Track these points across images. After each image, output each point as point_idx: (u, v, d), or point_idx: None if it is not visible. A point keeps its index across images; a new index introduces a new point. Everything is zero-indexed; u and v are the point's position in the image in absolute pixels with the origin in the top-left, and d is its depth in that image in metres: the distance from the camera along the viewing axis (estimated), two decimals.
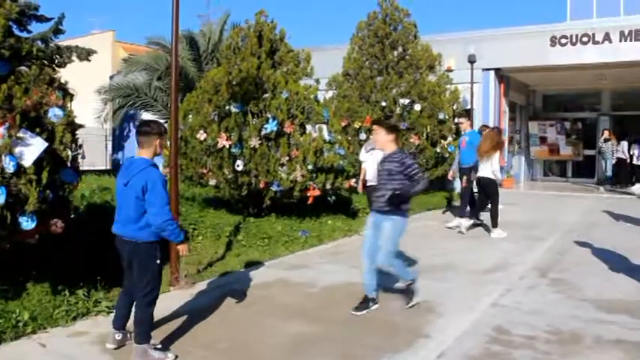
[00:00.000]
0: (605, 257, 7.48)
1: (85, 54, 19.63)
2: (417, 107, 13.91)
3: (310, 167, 9.29)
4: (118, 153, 25.16)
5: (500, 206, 12.15)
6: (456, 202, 13.26)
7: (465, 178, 10.22)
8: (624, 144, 17.44)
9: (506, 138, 18.14)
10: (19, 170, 4.58)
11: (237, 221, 9.31)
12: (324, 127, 9.83)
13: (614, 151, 15.88)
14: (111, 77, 24.34)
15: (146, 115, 20.64)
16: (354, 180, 10.19)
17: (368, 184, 8.89)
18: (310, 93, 9.92)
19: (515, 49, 16.16)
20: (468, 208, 10.37)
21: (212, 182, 9.69)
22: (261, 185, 9.28)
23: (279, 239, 8.50)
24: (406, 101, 14.02)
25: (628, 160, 17.25)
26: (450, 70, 15.44)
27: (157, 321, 4.97)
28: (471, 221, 10.20)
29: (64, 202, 5.20)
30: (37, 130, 4.76)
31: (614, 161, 15.61)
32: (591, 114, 20.26)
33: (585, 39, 15.65)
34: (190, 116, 9.97)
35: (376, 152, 8.60)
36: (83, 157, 5.47)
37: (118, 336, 4.43)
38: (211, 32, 20.35)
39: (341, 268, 7.18)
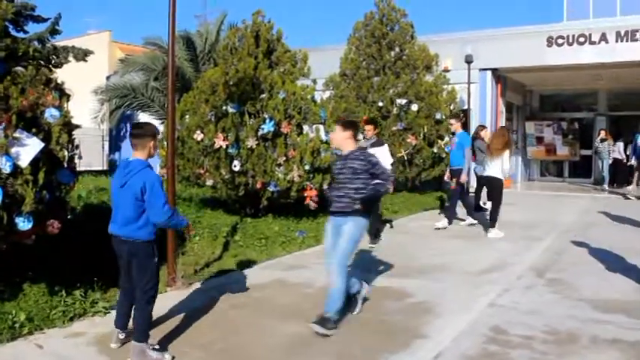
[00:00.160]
0: (601, 257, 7.50)
1: (82, 54, 19.62)
2: (414, 107, 13.93)
3: (307, 167, 9.29)
4: (115, 153, 25.13)
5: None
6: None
7: (454, 179, 10.14)
8: (620, 144, 17.48)
9: None
10: (16, 171, 4.57)
11: (234, 221, 9.31)
12: (321, 127, 9.83)
13: (610, 151, 15.91)
14: (107, 78, 24.31)
15: (143, 116, 20.62)
16: None
17: None
18: (307, 93, 9.92)
19: (512, 49, 16.18)
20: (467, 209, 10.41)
21: (209, 183, 9.69)
22: (258, 185, 9.28)
23: (277, 240, 8.50)
24: (403, 101, 14.04)
25: (624, 161, 17.28)
26: (446, 71, 15.47)
27: (154, 321, 4.95)
28: (475, 220, 10.25)
29: (60, 203, 5.19)
30: (34, 130, 4.75)
31: (610, 161, 15.63)
32: (588, 114, 20.29)
33: (582, 39, 15.69)
34: (187, 116, 9.96)
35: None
36: (80, 158, 5.47)
37: (122, 335, 4.45)
38: (208, 32, 20.35)
39: None
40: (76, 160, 5.43)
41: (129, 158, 4.31)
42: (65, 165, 5.13)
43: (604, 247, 8.08)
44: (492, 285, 6.31)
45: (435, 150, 14.10)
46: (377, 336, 4.77)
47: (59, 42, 19.87)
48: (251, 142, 9.13)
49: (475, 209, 12.16)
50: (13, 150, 4.55)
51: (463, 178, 10.00)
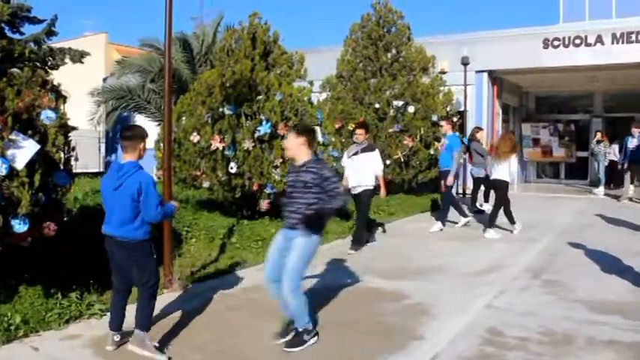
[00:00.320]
0: (597, 258, 7.51)
1: (78, 56, 19.52)
2: (411, 109, 13.94)
3: None
4: (112, 155, 25.09)
5: (489, 206, 12.24)
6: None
7: (442, 182, 10.10)
8: (616, 146, 17.50)
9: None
10: (12, 173, 4.57)
11: (230, 223, 9.30)
12: (318, 129, 9.82)
13: (606, 152, 15.93)
14: (104, 79, 24.28)
15: (139, 118, 20.59)
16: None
17: (351, 191, 8.62)
18: (304, 95, 9.92)
19: (508, 51, 16.21)
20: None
21: (206, 184, 9.68)
22: (255, 187, 9.28)
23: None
24: (400, 103, 14.05)
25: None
26: (443, 72, 15.49)
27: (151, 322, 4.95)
28: (467, 218, 10.24)
29: (56, 205, 5.18)
30: (30, 132, 4.75)
31: (606, 163, 15.66)
32: (584, 116, 20.33)
33: (578, 41, 15.73)
34: (184, 118, 9.96)
35: (358, 157, 8.42)
36: (76, 160, 5.47)
37: (117, 337, 4.47)
38: (205, 34, 20.33)
39: (335, 269, 7.18)
40: (73, 162, 5.43)
41: (119, 161, 4.42)
42: (61, 167, 5.13)
43: (599, 248, 8.09)
44: (488, 286, 6.32)
45: (432, 152, 14.10)
46: (374, 337, 4.78)
47: (55, 44, 19.79)
48: (247, 144, 9.12)
49: (472, 211, 12.19)
50: (9, 152, 4.55)
51: (450, 180, 9.96)
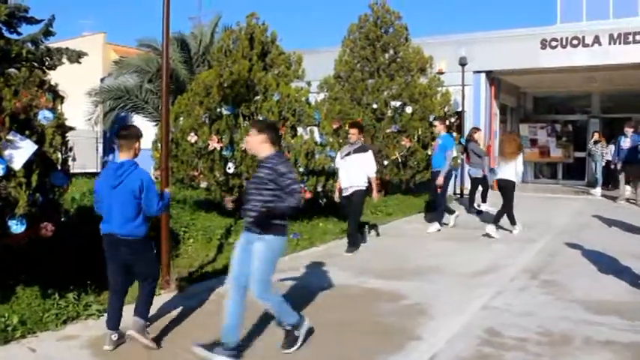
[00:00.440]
0: (594, 259, 7.53)
1: (76, 56, 19.51)
2: (409, 110, 13.94)
3: (302, 170, 9.28)
4: (109, 155, 25.04)
5: (490, 208, 12.24)
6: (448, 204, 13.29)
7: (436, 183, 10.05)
8: (613, 147, 17.52)
9: (497, 140, 18.23)
10: (9, 173, 4.56)
11: (228, 224, 9.29)
12: (316, 129, 9.84)
13: (603, 153, 15.95)
14: (102, 79, 24.26)
15: (137, 118, 20.56)
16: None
17: (342, 194, 8.54)
18: (301, 95, 9.92)
19: (506, 51, 16.22)
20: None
21: (203, 185, 9.68)
22: None
23: None
24: (397, 104, 14.05)
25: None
26: (441, 73, 15.49)
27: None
28: (455, 214, 10.21)
29: (54, 206, 5.17)
30: (27, 132, 4.74)
31: (603, 163, 15.67)
32: (581, 116, 20.35)
33: (575, 42, 15.74)
34: (181, 119, 9.95)
35: (350, 158, 8.29)
36: (74, 160, 5.46)
37: (114, 336, 4.49)
38: (202, 34, 20.32)
39: (332, 270, 7.18)
40: (70, 163, 5.41)
41: (115, 160, 4.53)
42: (59, 167, 5.12)
43: (597, 249, 8.11)
44: (486, 287, 6.33)
45: (429, 152, 14.09)
46: (372, 337, 4.78)
47: (53, 44, 19.78)
48: (245, 145, 9.11)
49: (470, 212, 12.20)
50: (6, 152, 4.54)
51: (440, 180, 9.91)
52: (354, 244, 8.34)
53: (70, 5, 58.61)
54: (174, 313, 5.35)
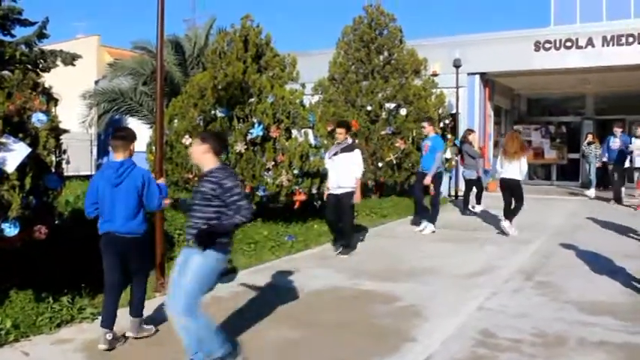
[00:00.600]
0: (589, 260, 7.55)
1: (70, 58, 19.49)
2: (403, 111, 13.96)
3: (296, 172, 9.28)
4: (104, 158, 24.97)
5: (481, 208, 12.27)
6: (443, 206, 13.31)
7: (431, 185, 10.00)
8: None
9: (491, 142, 18.29)
10: (2, 176, 4.55)
11: None
12: (310, 131, 9.83)
13: (597, 154, 16.01)
14: (96, 82, 24.18)
15: (131, 120, 20.52)
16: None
17: (328, 192, 8.41)
18: (296, 97, 9.92)
19: (500, 53, 16.27)
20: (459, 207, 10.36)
21: None
22: (247, 190, 9.25)
23: (266, 244, 8.48)
24: (392, 105, 14.07)
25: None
26: (435, 75, 15.51)
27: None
28: (426, 225, 10.09)
29: (47, 208, 5.16)
30: (21, 135, 4.73)
31: (597, 165, 15.73)
32: (575, 118, 20.44)
33: (569, 44, 15.81)
34: (176, 121, 9.94)
35: (338, 157, 8.17)
36: (68, 163, 5.44)
37: (109, 336, 4.50)
38: (197, 37, 20.30)
39: (327, 272, 7.18)
40: (64, 165, 5.40)
41: (114, 160, 4.62)
42: (53, 170, 5.11)
43: (591, 250, 8.14)
44: (481, 288, 6.34)
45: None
46: (366, 339, 4.78)
47: (47, 46, 19.75)
48: (240, 147, 9.12)
49: (465, 213, 12.23)
50: (0, 155, 4.52)
51: (428, 180, 9.82)
52: (348, 246, 8.33)
53: (64, 8, 58.52)
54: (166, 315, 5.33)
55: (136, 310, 4.77)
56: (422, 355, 4.41)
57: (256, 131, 9.14)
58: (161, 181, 5.22)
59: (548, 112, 21.59)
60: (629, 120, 17.01)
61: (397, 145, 13.74)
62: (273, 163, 9.20)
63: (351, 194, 8.19)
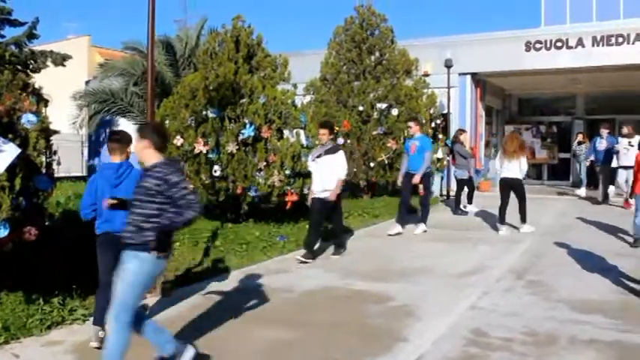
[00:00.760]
0: (579, 258, 7.60)
1: (60, 59, 19.42)
2: (395, 112, 13.99)
3: (288, 172, 9.28)
4: (94, 159, 24.85)
5: (476, 209, 12.31)
6: (434, 206, 13.35)
7: (420, 185, 9.86)
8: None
9: (482, 142, 18.35)
10: None
11: (214, 227, 9.26)
12: (302, 132, 9.83)
13: (587, 154, 16.10)
14: (86, 82, 24.07)
15: (122, 121, 20.45)
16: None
17: (312, 195, 8.11)
18: (288, 98, 9.91)
19: (491, 53, 16.33)
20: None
21: None
22: (239, 191, 9.26)
23: (258, 245, 8.47)
24: (383, 106, 14.10)
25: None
26: (426, 75, 15.55)
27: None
28: (401, 230, 9.89)
29: (38, 210, 5.13)
30: (10, 136, 4.70)
31: (587, 164, 15.80)
32: (566, 118, 20.54)
33: (559, 44, 15.89)
34: (167, 121, 9.90)
35: (321, 160, 7.91)
36: (58, 164, 5.45)
37: (102, 333, 4.48)
38: (188, 37, 20.26)
39: (319, 272, 7.19)
40: (55, 166, 5.39)
41: (113, 162, 4.66)
42: (43, 171, 5.08)
43: (581, 249, 8.18)
44: (472, 288, 6.36)
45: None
46: (358, 339, 4.78)
47: (38, 46, 19.68)
48: (231, 147, 9.10)
49: (457, 213, 12.26)
50: None
51: (416, 179, 9.67)
52: (341, 246, 8.32)
53: (54, 8, 58.25)
54: (160, 317, 5.32)
55: None
56: (413, 355, 4.42)
57: (248, 132, 9.14)
58: None
59: (539, 112, 21.68)
60: (618, 120, 17.11)
61: (389, 145, 13.77)
62: (264, 163, 9.19)
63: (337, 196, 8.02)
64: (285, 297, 6.09)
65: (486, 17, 71.86)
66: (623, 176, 12.41)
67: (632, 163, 9.90)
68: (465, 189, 12.51)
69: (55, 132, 5.30)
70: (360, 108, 14.11)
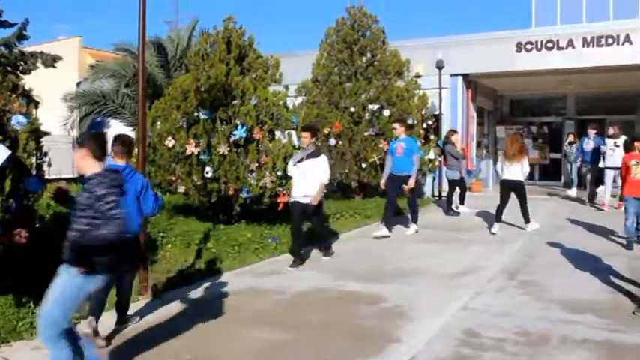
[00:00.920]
0: (571, 258, 7.63)
1: (51, 60, 19.30)
2: (386, 113, 13.99)
3: (279, 173, 9.26)
4: None
5: (468, 210, 12.34)
6: (426, 206, 13.37)
7: (406, 187, 9.77)
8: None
9: (474, 143, 18.39)
10: None
11: (206, 229, 9.23)
12: (294, 133, 9.82)
13: (575, 154, 16.16)
14: (78, 84, 23.94)
15: (114, 123, 20.37)
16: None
17: (291, 200, 8.00)
18: (279, 99, 9.90)
19: (482, 54, 16.37)
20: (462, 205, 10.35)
21: (181, 189, 9.60)
22: (231, 192, 9.23)
23: (249, 246, 8.46)
24: (375, 107, 14.10)
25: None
26: (418, 76, 15.56)
27: (124, 332, 4.91)
28: (388, 234, 9.78)
29: (28, 212, 5.10)
30: (0, 137, 4.67)
31: (578, 165, 15.87)
32: (557, 118, 20.62)
33: (550, 45, 15.95)
34: (158, 123, 9.87)
35: (303, 165, 7.73)
36: (49, 166, 5.41)
37: (94, 322, 4.62)
38: (179, 38, 20.22)
39: (311, 274, 7.18)
40: (46, 168, 5.36)
41: (115, 164, 4.73)
42: (33, 173, 5.06)
43: (573, 248, 8.22)
44: (465, 288, 6.38)
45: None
46: (351, 340, 4.78)
47: (27, 48, 19.54)
48: (223, 149, 9.08)
49: (448, 214, 12.28)
50: None
51: (411, 183, 9.65)
52: (328, 248, 8.28)
53: (45, 10, 57.98)
54: (152, 319, 5.31)
55: (124, 305, 5.06)
56: (406, 356, 4.42)
57: (239, 133, 9.12)
58: (159, 193, 5.59)
59: (531, 113, 21.75)
60: (609, 120, 17.19)
61: (381, 146, 13.76)
62: (256, 164, 9.18)
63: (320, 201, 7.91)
64: (277, 298, 6.08)
65: (477, 18, 72.08)
66: (610, 177, 12.49)
67: (618, 164, 10.00)
68: (457, 190, 12.54)
69: (46, 133, 5.29)
70: (352, 109, 14.10)
